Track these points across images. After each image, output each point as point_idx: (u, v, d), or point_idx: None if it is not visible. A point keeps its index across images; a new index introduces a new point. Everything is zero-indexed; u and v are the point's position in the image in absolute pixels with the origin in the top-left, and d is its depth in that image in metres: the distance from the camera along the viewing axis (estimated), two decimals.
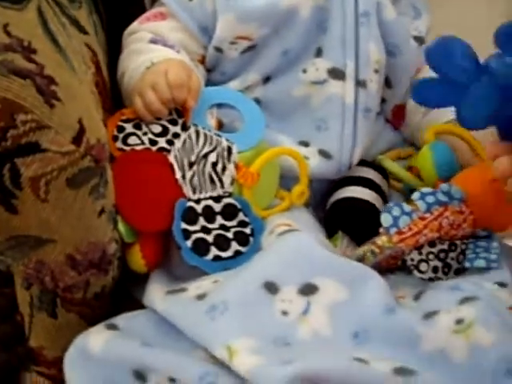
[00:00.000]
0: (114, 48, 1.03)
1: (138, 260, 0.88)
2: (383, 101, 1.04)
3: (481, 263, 0.86)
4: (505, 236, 0.92)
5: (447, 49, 0.70)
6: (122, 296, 0.92)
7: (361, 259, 0.88)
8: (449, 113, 1.00)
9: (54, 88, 0.76)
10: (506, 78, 0.69)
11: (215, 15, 0.97)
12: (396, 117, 1.07)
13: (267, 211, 0.92)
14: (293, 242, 0.84)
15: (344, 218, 0.95)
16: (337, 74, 0.97)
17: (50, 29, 0.81)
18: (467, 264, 0.87)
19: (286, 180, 0.95)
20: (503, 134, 0.73)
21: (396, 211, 0.87)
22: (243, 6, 0.96)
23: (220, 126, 0.95)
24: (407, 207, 0.88)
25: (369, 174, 0.98)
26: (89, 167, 0.78)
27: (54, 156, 0.75)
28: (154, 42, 0.98)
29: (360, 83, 0.97)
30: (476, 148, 0.99)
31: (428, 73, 0.75)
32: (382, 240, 0.87)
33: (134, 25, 1.01)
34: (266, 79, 0.99)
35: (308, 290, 0.80)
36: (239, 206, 0.89)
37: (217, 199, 0.89)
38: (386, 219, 0.87)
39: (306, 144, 0.97)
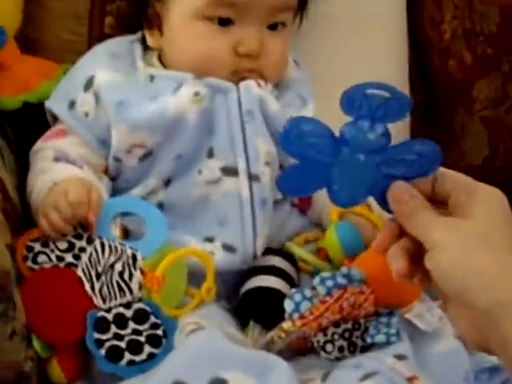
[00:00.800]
0: (25, 165, 1.08)
1: (57, 373, 0.91)
2: None
3: (381, 338, 0.90)
4: (407, 311, 0.96)
5: (297, 131, 0.67)
6: None
7: (269, 344, 0.93)
8: None
9: None
10: (364, 144, 0.67)
11: (110, 128, 1.02)
12: (302, 201, 1.11)
13: (178, 310, 0.96)
14: (198, 340, 0.88)
15: (254, 307, 0.98)
16: (229, 171, 1.01)
17: None
18: (369, 340, 0.91)
19: (196, 277, 0.98)
20: (383, 203, 0.69)
21: (297, 297, 0.92)
22: (133, 116, 1.01)
23: (127, 233, 1.00)
24: (308, 292, 0.92)
25: (276, 261, 1.02)
26: None
27: None
28: (57, 159, 1.02)
29: (253, 177, 1.01)
30: (378, 226, 1.04)
31: None
32: (287, 325, 0.92)
33: (38, 143, 1.06)
34: (167, 183, 1.03)
35: None
36: (149, 310, 0.93)
37: (127, 305, 0.92)
38: (288, 305, 0.92)
39: (210, 240, 1.01)
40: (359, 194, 0.69)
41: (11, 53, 1.10)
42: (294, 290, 0.93)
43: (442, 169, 0.69)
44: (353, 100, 0.67)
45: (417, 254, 0.67)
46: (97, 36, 1.16)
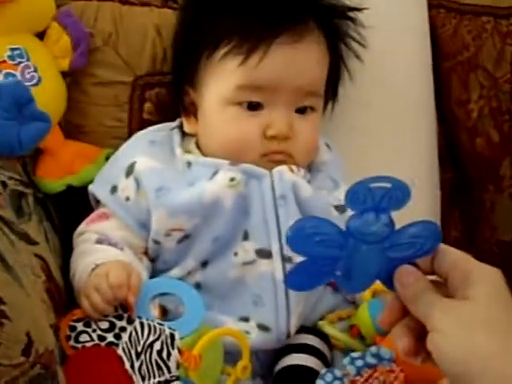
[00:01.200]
0: (69, 245, 1.13)
1: None
2: None
3: None
4: None
5: (304, 232, 0.69)
6: None
7: None
8: None
9: (2, 307, 0.84)
10: (370, 235, 0.69)
11: (150, 212, 1.07)
12: None
13: None
14: None
15: None
16: (264, 253, 1.05)
17: None
18: None
19: (232, 355, 1.02)
20: (390, 285, 0.72)
21: (328, 377, 0.95)
22: (172, 201, 1.05)
23: (165, 312, 1.03)
24: (338, 372, 0.95)
25: (309, 340, 1.05)
26: (40, 374, 0.86)
27: (5, 369, 0.82)
28: (99, 241, 1.07)
29: (286, 259, 1.05)
30: None
31: None
32: None
33: (82, 226, 1.11)
34: (204, 264, 1.07)
35: None
36: None
37: (165, 383, 0.96)
38: None
39: (246, 319, 1.05)
40: (366, 280, 0.72)
41: (55, 138, 1.16)
42: (324, 369, 0.96)
43: (441, 246, 0.71)
44: (357, 195, 0.68)
45: (421, 332, 0.69)
46: (137, 122, 1.22)
